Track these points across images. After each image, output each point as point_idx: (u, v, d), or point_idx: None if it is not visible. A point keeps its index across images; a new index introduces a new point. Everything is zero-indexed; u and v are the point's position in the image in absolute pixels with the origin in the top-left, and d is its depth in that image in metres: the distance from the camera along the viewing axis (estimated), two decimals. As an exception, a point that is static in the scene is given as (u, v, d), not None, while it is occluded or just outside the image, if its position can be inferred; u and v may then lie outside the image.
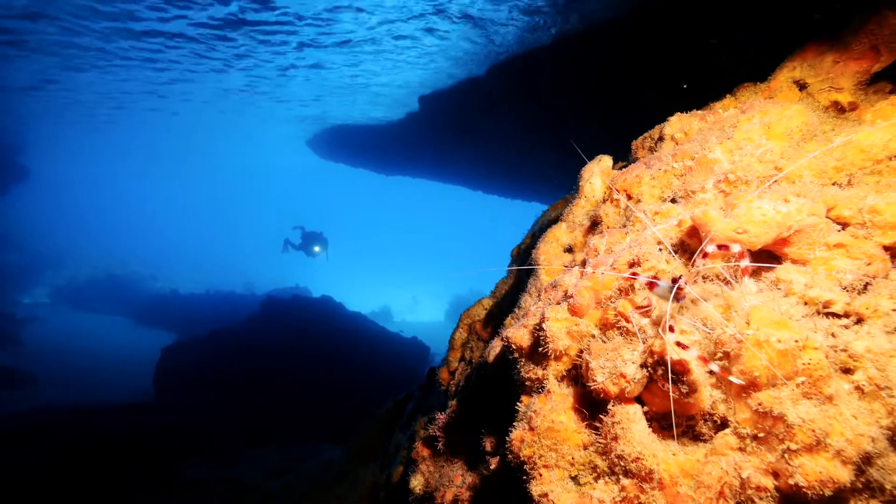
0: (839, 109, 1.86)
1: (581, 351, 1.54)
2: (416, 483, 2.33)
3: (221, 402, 15.60)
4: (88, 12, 10.85)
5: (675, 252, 1.58)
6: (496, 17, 8.98)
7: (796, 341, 1.16)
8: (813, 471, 1.09)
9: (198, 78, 17.22)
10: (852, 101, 1.84)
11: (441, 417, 2.40)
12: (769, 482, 1.16)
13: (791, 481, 1.12)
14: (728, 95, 2.22)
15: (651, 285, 1.40)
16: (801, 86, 1.98)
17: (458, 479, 1.99)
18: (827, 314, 1.30)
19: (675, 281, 1.30)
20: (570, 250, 2.25)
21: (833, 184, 1.61)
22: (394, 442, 5.00)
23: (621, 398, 1.37)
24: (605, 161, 2.24)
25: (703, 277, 1.52)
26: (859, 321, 1.26)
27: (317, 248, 23.78)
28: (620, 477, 1.29)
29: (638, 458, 1.26)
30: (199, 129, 29.72)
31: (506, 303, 3.08)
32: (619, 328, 1.46)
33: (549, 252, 2.25)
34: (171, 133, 31.90)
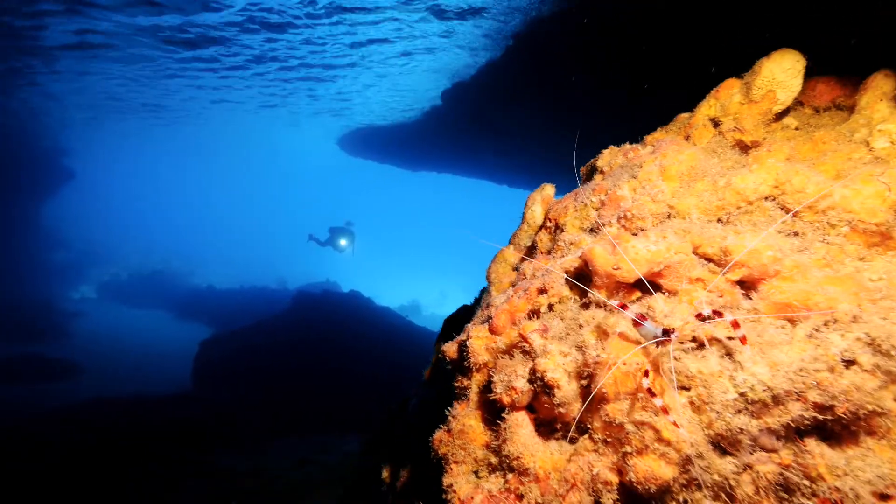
0: (743, 147, 2.07)
1: (495, 365, 1.83)
2: (385, 474, 2.66)
3: (254, 394, 16.31)
4: (133, 27, 11.51)
5: (577, 280, 1.84)
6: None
7: (638, 364, 1.42)
8: (642, 469, 1.35)
9: (237, 84, 17.94)
10: (755, 139, 2.04)
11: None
12: (614, 478, 1.43)
13: (627, 477, 1.39)
14: (660, 128, 2.43)
15: (637, 323, 1.49)
16: (716, 123, 2.19)
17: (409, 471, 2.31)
18: (680, 340, 1.54)
19: (666, 331, 1.41)
20: (517, 269, 2.52)
21: (717, 220, 1.84)
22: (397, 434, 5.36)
23: (513, 407, 1.65)
24: (548, 190, 2.50)
25: (597, 305, 1.78)
26: (701, 346, 1.50)
27: (343, 242, 24.24)
28: (506, 472, 1.58)
29: (519, 457, 1.54)
30: (235, 131, 30.74)
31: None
32: (520, 348, 1.74)
33: (498, 271, 2.53)
34: (208, 136, 33.09)
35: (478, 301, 3.16)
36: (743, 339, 1.39)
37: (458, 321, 3.29)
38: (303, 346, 18.62)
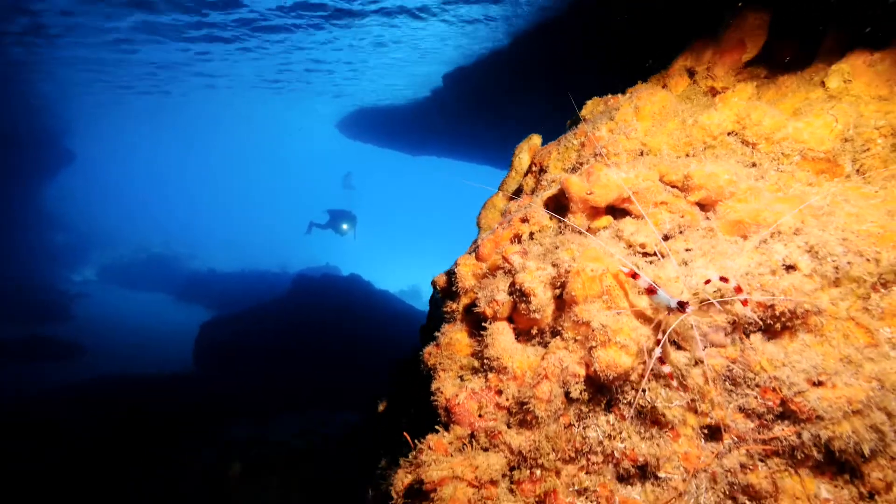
0: (713, 93, 2.22)
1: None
2: (381, 407, 2.86)
3: (255, 374, 16.56)
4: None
5: (554, 210, 2.01)
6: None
7: (603, 270, 1.60)
8: (603, 359, 1.53)
9: (237, 67, 17.95)
10: (724, 86, 2.20)
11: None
12: (582, 370, 1.61)
13: (592, 368, 1.57)
14: (640, 81, 2.59)
15: (651, 291, 1.54)
16: (691, 73, 2.35)
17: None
18: (643, 253, 1.72)
19: (681, 304, 1.46)
20: (505, 214, 2.69)
21: (686, 155, 2.00)
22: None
23: (495, 318, 1.83)
24: (535, 139, 2.66)
25: (573, 230, 1.95)
26: (662, 257, 1.68)
27: (345, 226, 24.36)
28: (487, 373, 1.77)
29: (498, 358, 1.73)
30: (237, 114, 30.70)
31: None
32: (502, 269, 1.92)
33: (487, 217, 2.70)
34: (209, 118, 33.06)
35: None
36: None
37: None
38: (302, 327, 18.85)
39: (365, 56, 16.56)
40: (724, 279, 1.50)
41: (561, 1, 9.28)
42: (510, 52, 12.24)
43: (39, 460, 9.47)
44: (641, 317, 1.58)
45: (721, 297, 1.55)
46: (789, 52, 2.22)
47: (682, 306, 1.46)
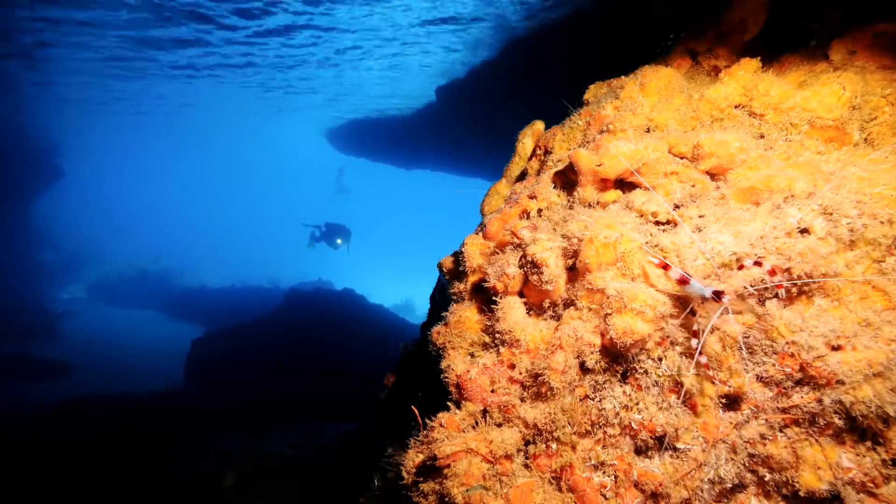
0: (716, 72, 2.23)
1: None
2: (388, 381, 2.80)
3: (248, 390, 16.35)
4: (117, 23, 11.58)
5: (562, 187, 1.99)
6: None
7: (617, 237, 1.57)
8: (619, 325, 1.50)
9: (224, 80, 17.98)
10: (727, 64, 2.21)
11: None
12: (597, 339, 1.58)
13: (608, 336, 1.54)
14: (643, 65, 2.60)
15: (683, 281, 1.50)
16: (693, 55, 2.36)
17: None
18: (656, 222, 1.70)
19: (717, 293, 1.43)
20: (509, 198, 2.67)
21: (693, 129, 2.00)
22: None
23: (506, 292, 1.80)
24: (537, 125, 2.65)
25: (582, 204, 1.93)
26: (675, 226, 1.66)
27: (339, 241, 24.23)
28: (499, 347, 1.73)
29: (511, 331, 1.69)
30: (225, 127, 30.68)
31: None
32: (511, 244, 1.89)
33: (491, 204, 2.68)
34: (198, 133, 33.01)
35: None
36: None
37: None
38: (296, 342, 18.68)
39: (353, 69, 16.66)
40: (758, 263, 1.47)
41: (551, 13, 9.41)
42: (501, 64, 12.36)
43: (27, 478, 9.22)
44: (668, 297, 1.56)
45: (737, 261, 1.53)
46: (791, 30, 2.24)
47: (717, 295, 1.43)
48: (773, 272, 1.50)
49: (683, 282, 1.49)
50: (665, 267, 1.52)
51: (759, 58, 2.00)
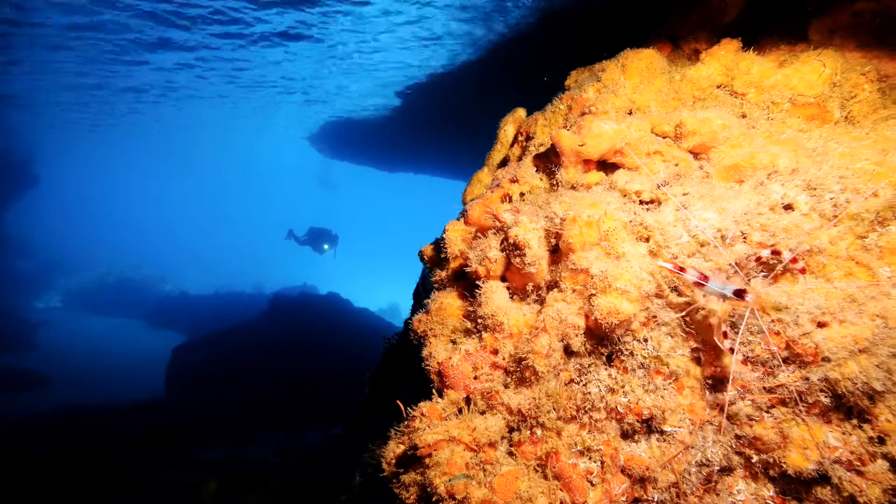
0: (697, 55, 2.22)
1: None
2: (369, 375, 2.73)
3: (232, 397, 16.09)
4: (91, 23, 11.34)
5: (544, 171, 1.95)
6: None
7: (601, 215, 1.54)
8: (604, 306, 1.46)
9: (204, 83, 17.72)
10: (707, 47, 2.19)
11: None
12: (581, 321, 1.54)
13: (592, 317, 1.50)
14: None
15: (700, 283, 1.46)
16: (674, 39, 2.35)
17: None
18: (640, 202, 1.67)
19: (738, 292, 1.41)
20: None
21: (674, 110, 1.97)
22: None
23: (488, 276, 1.75)
24: (519, 112, 2.62)
25: (570, 187, 1.89)
26: (659, 204, 1.63)
27: (325, 246, 24.05)
28: (482, 332, 1.68)
29: (493, 315, 1.64)
30: (205, 133, 30.27)
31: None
32: (493, 228, 1.84)
33: (473, 192, 2.63)
34: (177, 137, 32.50)
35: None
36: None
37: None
38: (281, 347, 18.48)
39: (330, 69, 16.53)
40: (776, 252, 1.44)
41: (529, 16, 9.44)
42: (478, 65, 12.34)
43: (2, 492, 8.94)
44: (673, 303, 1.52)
45: (722, 237, 1.50)
46: (770, 12, 2.23)
47: (739, 294, 1.39)
48: (776, 252, 1.47)
49: (701, 283, 1.44)
50: (682, 269, 1.46)
51: (738, 42, 1.99)
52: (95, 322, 31.44)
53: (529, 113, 2.67)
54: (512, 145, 2.46)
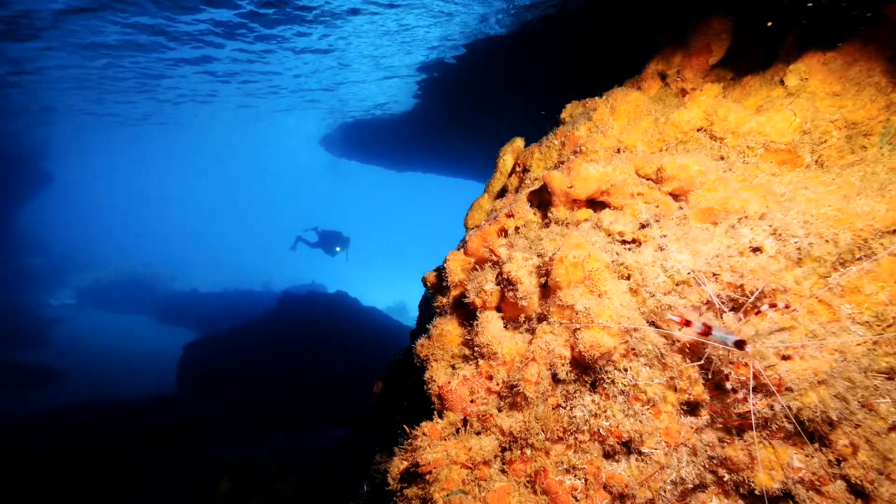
0: (684, 94, 2.36)
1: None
2: (377, 388, 2.91)
3: (241, 394, 16.32)
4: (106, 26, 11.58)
5: (537, 205, 2.11)
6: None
7: (585, 256, 1.70)
8: (587, 339, 1.62)
9: (221, 87, 17.98)
10: (693, 87, 2.34)
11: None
12: (567, 352, 1.70)
13: (577, 349, 1.66)
14: (616, 86, 2.73)
15: (705, 333, 1.59)
16: (663, 76, 2.49)
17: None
18: (622, 241, 1.83)
19: (738, 343, 1.54)
20: (490, 213, 2.79)
21: (660, 151, 2.13)
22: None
23: (484, 307, 1.92)
24: (518, 142, 2.77)
25: (556, 223, 2.05)
26: (640, 244, 1.78)
27: (337, 248, 24.14)
28: (478, 359, 1.84)
29: (488, 345, 1.81)
30: (217, 132, 30.60)
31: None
32: (490, 261, 2.01)
33: (474, 217, 2.80)
34: (189, 137, 32.89)
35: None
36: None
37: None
38: (291, 346, 18.65)
39: (343, 71, 16.70)
40: (747, 292, 1.60)
41: (535, 14, 9.55)
42: (484, 67, 12.47)
43: (16, 487, 9.21)
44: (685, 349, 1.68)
45: (695, 278, 1.65)
46: (752, 54, 2.37)
47: (739, 345, 1.55)
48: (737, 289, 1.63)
49: (706, 333, 1.58)
50: (687, 323, 1.60)
51: (721, 84, 2.13)
52: (108, 319, 31.88)
53: (527, 143, 2.83)
54: (510, 175, 2.62)
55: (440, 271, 2.23)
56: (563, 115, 2.64)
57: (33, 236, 35.05)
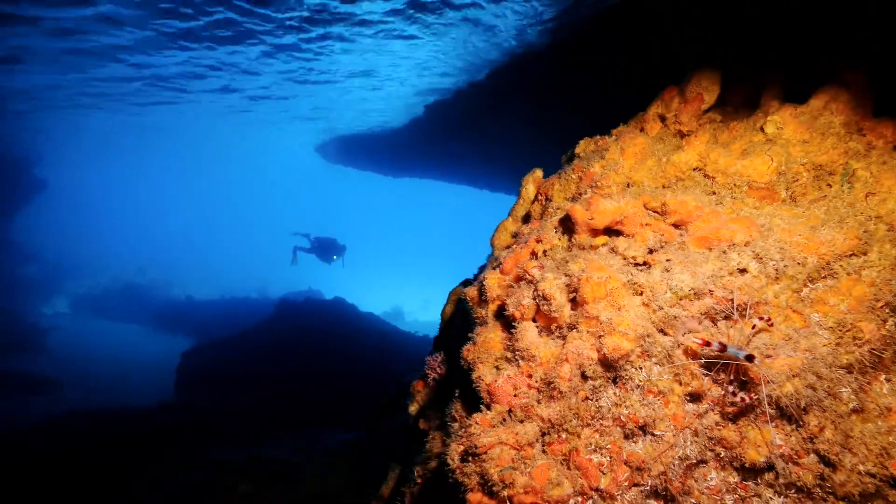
0: (681, 135, 2.80)
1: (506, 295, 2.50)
2: (413, 408, 3.31)
3: (242, 400, 16.44)
4: (103, 28, 11.68)
5: (562, 231, 2.54)
6: (500, 22, 9.83)
7: (607, 277, 2.12)
8: (610, 344, 2.04)
9: (214, 91, 18.25)
10: (689, 129, 2.78)
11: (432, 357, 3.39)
12: (594, 354, 2.12)
13: (602, 352, 2.08)
14: (622, 124, 3.17)
15: (722, 349, 1.97)
16: (662, 119, 2.93)
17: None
18: (635, 264, 2.25)
19: (749, 357, 1.93)
20: (515, 236, 3.21)
21: (662, 186, 2.56)
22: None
23: (522, 318, 2.33)
24: (537, 172, 3.20)
25: (580, 248, 2.47)
26: (650, 266, 2.21)
27: (335, 257, 24.29)
28: (519, 361, 2.26)
29: (528, 349, 2.23)
30: (213, 138, 30.82)
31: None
32: (524, 279, 2.43)
33: (500, 238, 3.22)
34: (185, 143, 33.08)
35: (481, 269, 3.85)
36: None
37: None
38: (287, 351, 18.72)
39: (343, 83, 17.07)
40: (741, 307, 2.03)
41: (540, 39, 10.04)
42: (489, 84, 12.95)
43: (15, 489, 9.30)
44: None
45: (694, 293, 2.08)
46: (738, 101, 2.82)
47: (749, 358, 1.98)
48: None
49: (723, 349, 2.01)
50: (707, 344, 2.02)
51: (712, 128, 2.57)
52: (104, 326, 31.82)
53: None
54: (533, 202, 3.05)
55: (480, 287, 2.64)
56: (577, 151, 3.08)
57: (27, 244, 34.92)
